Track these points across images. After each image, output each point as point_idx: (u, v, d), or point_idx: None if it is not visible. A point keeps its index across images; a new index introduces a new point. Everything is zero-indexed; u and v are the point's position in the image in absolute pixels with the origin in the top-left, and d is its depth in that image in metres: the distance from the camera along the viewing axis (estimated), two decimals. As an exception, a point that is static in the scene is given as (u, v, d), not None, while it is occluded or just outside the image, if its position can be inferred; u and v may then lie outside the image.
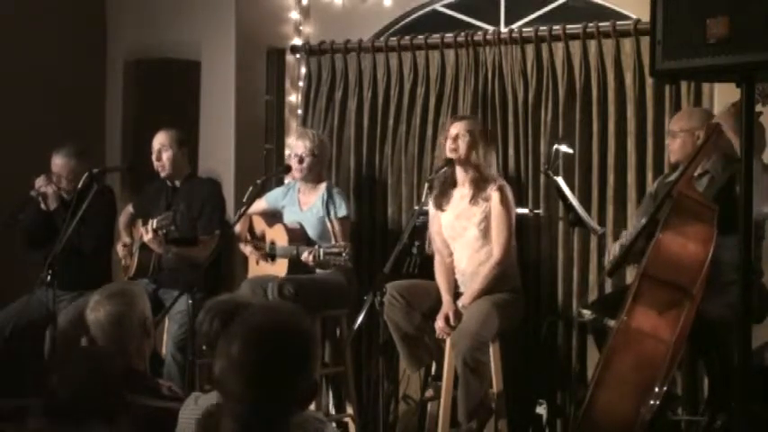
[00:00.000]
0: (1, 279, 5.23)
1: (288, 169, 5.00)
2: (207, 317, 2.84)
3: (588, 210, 4.68)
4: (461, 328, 4.43)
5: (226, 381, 2.09)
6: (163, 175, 5.08)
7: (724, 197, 3.87)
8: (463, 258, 4.67)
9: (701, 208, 3.85)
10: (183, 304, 4.38)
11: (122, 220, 5.33)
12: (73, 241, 4.71)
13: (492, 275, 4.55)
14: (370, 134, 5.45)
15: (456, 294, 4.63)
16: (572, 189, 4.65)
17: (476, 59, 5.12)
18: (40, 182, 5.08)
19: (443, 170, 4.63)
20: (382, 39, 5.50)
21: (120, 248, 5.16)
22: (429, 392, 4.84)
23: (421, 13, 5.59)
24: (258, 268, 5.02)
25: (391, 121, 5.37)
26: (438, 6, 5.54)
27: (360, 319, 3.90)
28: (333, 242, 4.78)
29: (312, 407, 3.55)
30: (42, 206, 5.05)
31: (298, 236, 4.88)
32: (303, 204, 5.02)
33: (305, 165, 4.96)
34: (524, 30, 5.03)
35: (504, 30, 5.18)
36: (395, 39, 5.38)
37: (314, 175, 5.02)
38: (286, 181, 5.38)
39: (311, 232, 4.91)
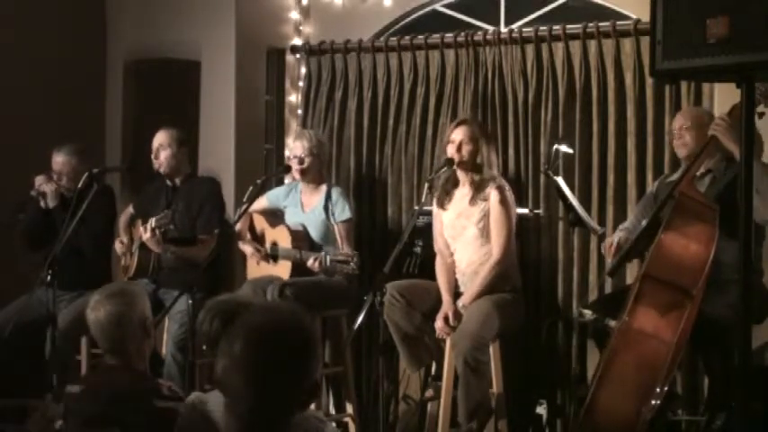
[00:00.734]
0: (1, 279, 5.22)
1: (288, 169, 5.00)
2: (207, 317, 2.83)
3: (588, 210, 4.68)
4: (462, 328, 4.43)
5: (228, 380, 2.10)
6: (161, 172, 5.07)
7: (727, 198, 3.86)
8: (464, 258, 4.67)
9: (703, 208, 3.85)
10: (183, 304, 4.38)
11: (122, 220, 5.32)
12: (73, 241, 4.71)
13: (491, 275, 4.55)
14: (370, 134, 5.45)
15: (456, 294, 4.63)
16: (572, 189, 4.65)
17: (476, 59, 5.12)
18: (40, 180, 5.08)
19: (443, 170, 4.64)
20: (382, 39, 5.50)
21: (118, 246, 5.15)
22: (429, 392, 4.84)
23: (421, 13, 5.59)
24: (259, 269, 5.02)
25: (391, 121, 5.38)
26: (438, 6, 5.54)
27: (360, 319, 3.90)
28: (340, 246, 4.79)
29: (312, 406, 3.54)
30: (42, 204, 5.05)
31: (301, 238, 4.88)
32: (306, 206, 5.02)
33: (305, 165, 4.96)
34: (524, 30, 5.03)
35: (504, 30, 5.18)
36: (395, 39, 5.39)
37: (314, 175, 5.01)
38: (287, 181, 5.38)
39: (314, 234, 4.91)
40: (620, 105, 4.80)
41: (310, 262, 4.63)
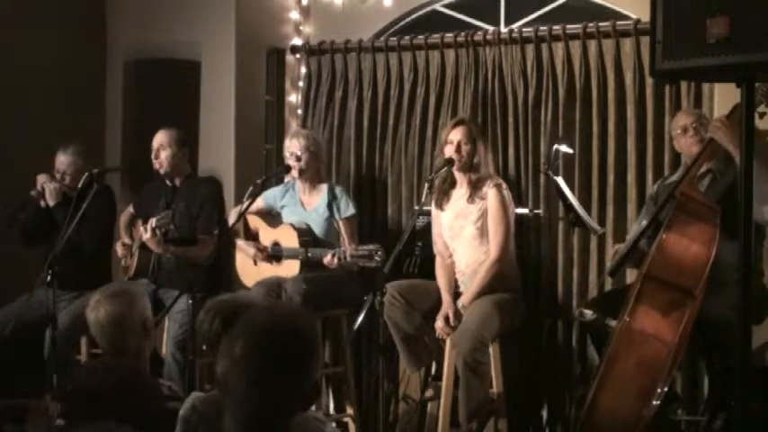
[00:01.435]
0: (1, 279, 5.22)
1: (288, 169, 4.99)
2: (207, 317, 2.84)
3: (588, 210, 4.68)
4: (462, 328, 4.43)
5: (228, 381, 2.10)
6: (161, 172, 5.08)
7: (728, 198, 3.86)
8: (463, 258, 4.67)
9: (704, 209, 3.85)
10: (183, 304, 4.39)
11: (122, 220, 5.33)
12: (73, 241, 4.72)
13: (490, 274, 4.55)
14: (370, 134, 5.45)
15: (456, 294, 4.63)
16: (572, 189, 4.65)
17: (476, 59, 5.12)
18: (42, 178, 5.08)
19: (443, 170, 4.64)
20: (382, 39, 5.50)
21: (119, 248, 5.15)
22: (429, 392, 4.84)
23: (421, 13, 5.59)
24: (258, 270, 4.98)
25: (391, 121, 5.38)
26: (438, 6, 5.54)
27: (360, 319, 3.90)
28: (344, 242, 4.80)
29: (312, 407, 3.54)
30: (42, 202, 5.05)
31: (307, 235, 4.88)
32: (307, 204, 5.01)
33: (303, 162, 4.96)
34: (524, 30, 5.03)
35: (504, 30, 5.18)
36: (395, 39, 5.39)
37: (313, 173, 5.01)
38: (285, 180, 5.38)
39: (318, 232, 4.91)
40: (620, 105, 4.80)
41: (328, 258, 4.60)
